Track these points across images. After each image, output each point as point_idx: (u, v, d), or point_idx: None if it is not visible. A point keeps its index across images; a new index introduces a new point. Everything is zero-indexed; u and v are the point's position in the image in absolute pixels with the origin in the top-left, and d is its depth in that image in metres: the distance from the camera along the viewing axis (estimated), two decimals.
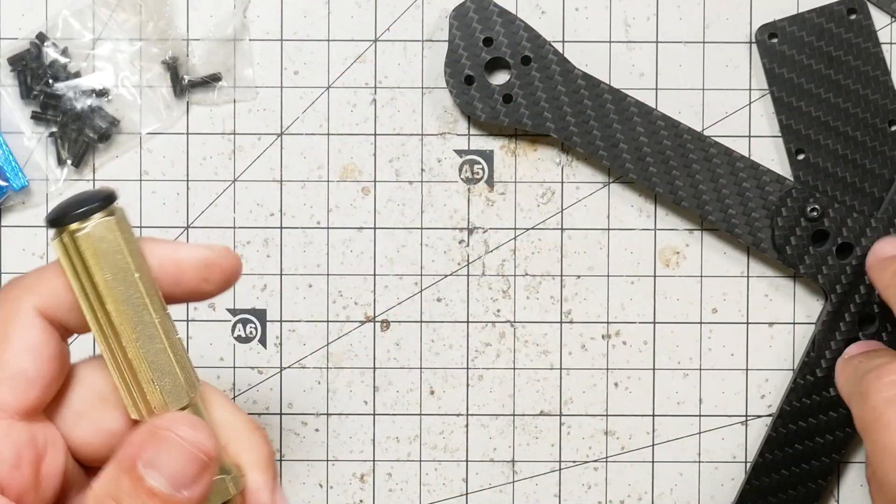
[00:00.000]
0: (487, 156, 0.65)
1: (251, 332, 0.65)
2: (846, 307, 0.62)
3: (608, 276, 0.65)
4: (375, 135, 0.65)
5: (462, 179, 0.65)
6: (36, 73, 0.63)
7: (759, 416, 0.65)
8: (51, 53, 0.63)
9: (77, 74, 0.63)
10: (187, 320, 0.64)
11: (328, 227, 0.65)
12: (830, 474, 0.63)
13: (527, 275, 0.65)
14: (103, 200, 0.42)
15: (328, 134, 0.65)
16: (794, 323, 0.65)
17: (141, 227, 0.64)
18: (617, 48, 0.64)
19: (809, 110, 0.63)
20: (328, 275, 0.65)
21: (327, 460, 0.65)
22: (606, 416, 0.65)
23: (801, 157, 0.64)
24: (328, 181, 0.65)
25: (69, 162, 0.63)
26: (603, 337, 0.65)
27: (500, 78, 0.64)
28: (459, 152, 0.65)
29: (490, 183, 0.65)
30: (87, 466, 0.45)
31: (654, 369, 0.65)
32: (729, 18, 0.64)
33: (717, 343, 0.65)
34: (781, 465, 0.63)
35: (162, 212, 0.64)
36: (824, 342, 0.62)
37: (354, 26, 0.64)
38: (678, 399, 0.65)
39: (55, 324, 0.43)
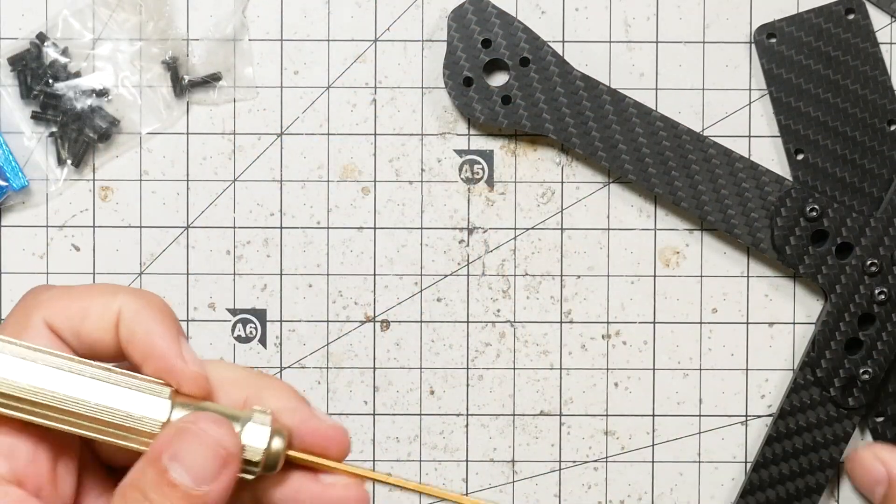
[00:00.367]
0: (487, 156, 0.65)
1: (251, 332, 0.65)
2: (846, 307, 0.62)
3: (608, 276, 0.65)
4: (375, 135, 0.65)
5: (462, 179, 0.65)
6: (36, 72, 0.63)
7: (759, 416, 0.65)
8: (51, 53, 0.63)
9: (77, 74, 0.63)
10: (187, 320, 0.64)
11: (328, 227, 0.65)
12: (830, 473, 0.64)
13: (527, 275, 0.65)
14: None
15: (328, 134, 0.65)
16: (794, 323, 0.65)
17: (141, 226, 0.64)
18: (617, 48, 0.64)
19: (808, 110, 0.63)
20: (328, 275, 0.65)
21: None
22: (606, 416, 0.65)
23: (800, 157, 0.64)
24: (328, 181, 0.65)
25: (69, 162, 0.63)
26: (603, 337, 0.65)
27: (498, 79, 0.64)
28: (459, 152, 0.65)
29: (490, 183, 0.65)
30: (114, 469, 0.45)
31: (654, 369, 0.65)
32: (729, 18, 0.64)
33: (717, 343, 0.65)
34: (782, 463, 0.63)
35: (162, 212, 0.64)
36: (824, 342, 0.62)
37: (354, 26, 0.64)
38: (678, 399, 0.65)
39: (63, 339, 0.43)
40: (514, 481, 0.65)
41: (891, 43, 0.64)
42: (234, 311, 0.65)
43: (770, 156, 0.64)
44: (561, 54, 0.64)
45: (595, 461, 0.65)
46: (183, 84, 0.64)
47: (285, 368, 0.65)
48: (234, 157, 0.65)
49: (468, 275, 0.65)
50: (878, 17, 0.64)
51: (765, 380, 0.65)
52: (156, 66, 0.64)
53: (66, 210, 0.64)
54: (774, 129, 0.64)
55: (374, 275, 0.65)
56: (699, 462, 0.65)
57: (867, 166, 0.63)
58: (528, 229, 0.65)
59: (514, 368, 0.65)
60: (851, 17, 0.63)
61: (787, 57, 0.63)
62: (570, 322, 0.65)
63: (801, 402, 0.63)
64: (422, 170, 0.65)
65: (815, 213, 0.62)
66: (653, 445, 0.65)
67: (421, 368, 0.65)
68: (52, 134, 0.63)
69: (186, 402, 0.43)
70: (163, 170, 0.64)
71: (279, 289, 0.65)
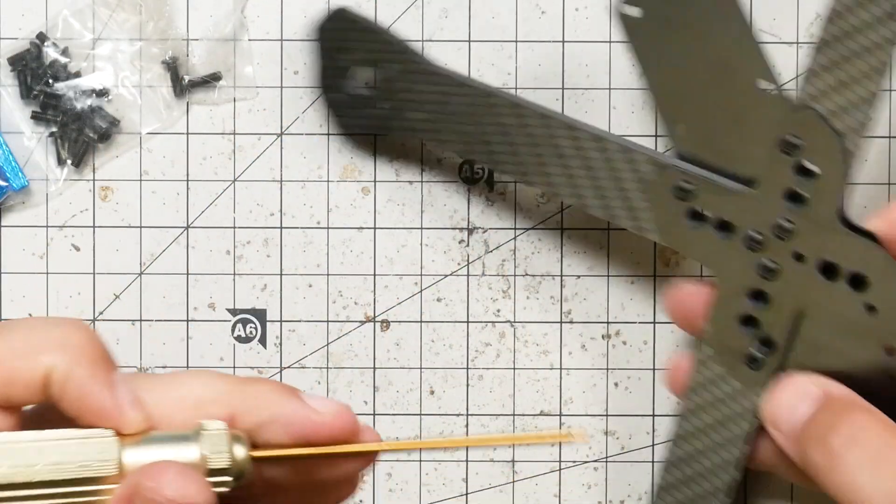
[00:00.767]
0: None
1: (251, 332, 0.65)
2: (739, 288, 0.58)
3: (608, 276, 0.65)
4: (375, 135, 0.65)
5: (462, 179, 0.65)
6: (36, 73, 0.63)
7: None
8: (51, 53, 0.63)
9: (77, 74, 0.63)
10: (187, 320, 0.64)
11: (328, 227, 0.65)
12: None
13: (527, 275, 0.65)
14: None
15: (328, 134, 0.65)
16: None
17: (141, 226, 0.64)
18: (617, 48, 0.64)
19: (682, 81, 0.59)
20: (328, 275, 0.65)
21: None
22: (606, 416, 0.65)
23: (679, 130, 0.59)
24: (328, 181, 0.65)
25: (69, 162, 0.63)
26: (603, 337, 0.65)
27: (364, 80, 0.63)
28: None
29: (490, 183, 0.65)
30: None
31: (654, 369, 0.65)
32: None
33: None
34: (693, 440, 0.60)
35: (162, 212, 0.64)
36: (720, 320, 0.58)
37: None
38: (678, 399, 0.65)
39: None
40: (514, 481, 0.65)
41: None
42: (234, 311, 0.65)
43: None
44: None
45: (595, 461, 0.65)
46: (183, 84, 0.64)
47: (285, 368, 0.65)
48: (234, 158, 0.65)
49: (468, 275, 0.65)
50: None
51: None
52: (156, 66, 0.64)
53: (66, 210, 0.64)
54: None
55: (374, 275, 0.65)
56: None
57: (745, 132, 0.58)
58: (528, 229, 0.65)
59: (514, 368, 0.65)
60: None
61: (652, 28, 0.59)
62: (570, 322, 0.65)
63: (704, 378, 0.59)
64: (422, 170, 0.65)
65: (688, 190, 0.58)
66: (653, 445, 0.65)
67: (421, 368, 0.65)
68: (52, 134, 0.63)
69: (133, 441, 0.42)
70: (163, 170, 0.64)
71: (279, 289, 0.65)
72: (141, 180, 0.64)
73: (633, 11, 0.58)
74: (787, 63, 0.64)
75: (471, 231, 0.65)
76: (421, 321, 0.65)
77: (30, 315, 0.64)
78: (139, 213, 0.64)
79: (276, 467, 0.44)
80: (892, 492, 0.51)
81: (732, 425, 0.59)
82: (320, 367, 0.65)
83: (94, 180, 0.64)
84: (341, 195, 0.65)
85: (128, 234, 0.64)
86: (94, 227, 0.64)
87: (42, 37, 0.63)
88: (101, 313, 0.65)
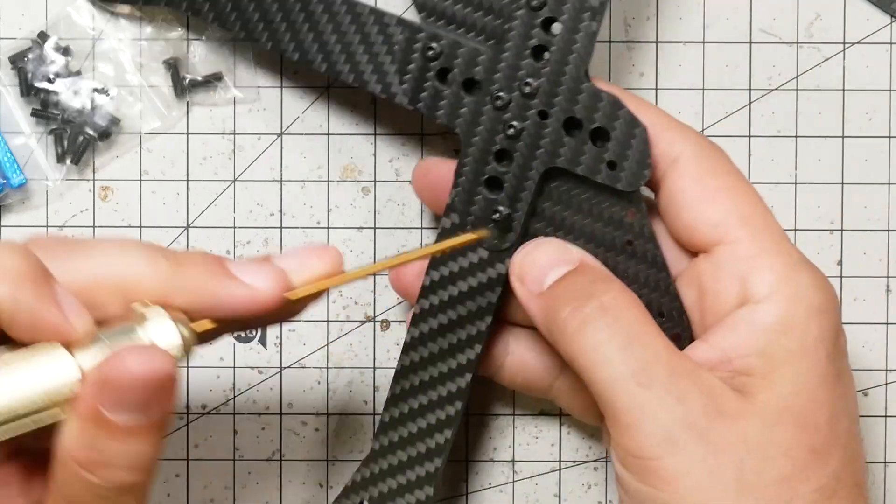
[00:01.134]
0: None
1: (251, 332, 0.65)
2: (485, 149, 0.57)
3: None
4: (375, 135, 0.65)
5: None
6: (36, 71, 0.63)
7: None
8: (51, 52, 0.63)
9: (78, 73, 0.63)
10: None
11: (328, 227, 0.65)
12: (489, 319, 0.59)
13: None
14: None
15: (328, 134, 0.65)
16: None
17: (141, 226, 0.64)
18: (617, 48, 0.65)
19: None
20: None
21: (327, 460, 0.65)
22: None
23: None
24: (328, 181, 0.65)
25: (69, 160, 0.63)
26: None
27: None
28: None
29: None
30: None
31: None
32: (729, 18, 0.64)
33: None
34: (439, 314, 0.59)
35: (162, 212, 0.64)
36: (466, 184, 0.58)
37: None
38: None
39: None
40: (514, 481, 0.65)
41: (891, 43, 0.64)
42: None
43: (770, 156, 0.64)
44: None
45: (595, 461, 0.65)
46: (183, 84, 0.64)
47: (285, 368, 0.65)
48: (234, 158, 0.65)
49: None
50: (878, 17, 0.64)
51: None
52: (156, 65, 0.64)
53: (66, 210, 0.64)
54: (775, 130, 0.64)
55: (374, 275, 0.65)
56: None
57: None
58: None
59: None
60: None
61: None
62: None
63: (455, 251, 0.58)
64: None
65: (433, 52, 0.57)
66: None
67: None
68: (52, 132, 0.63)
69: (83, 345, 0.43)
70: (163, 170, 0.64)
71: None
72: (141, 180, 0.64)
73: None
74: (788, 63, 0.64)
75: None
76: None
77: None
78: (139, 212, 0.64)
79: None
80: (637, 372, 0.51)
81: (479, 297, 0.58)
82: (320, 367, 0.65)
83: (94, 180, 0.64)
84: (341, 195, 0.65)
85: (128, 234, 0.64)
86: (94, 227, 0.64)
87: (43, 35, 0.63)
88: None
